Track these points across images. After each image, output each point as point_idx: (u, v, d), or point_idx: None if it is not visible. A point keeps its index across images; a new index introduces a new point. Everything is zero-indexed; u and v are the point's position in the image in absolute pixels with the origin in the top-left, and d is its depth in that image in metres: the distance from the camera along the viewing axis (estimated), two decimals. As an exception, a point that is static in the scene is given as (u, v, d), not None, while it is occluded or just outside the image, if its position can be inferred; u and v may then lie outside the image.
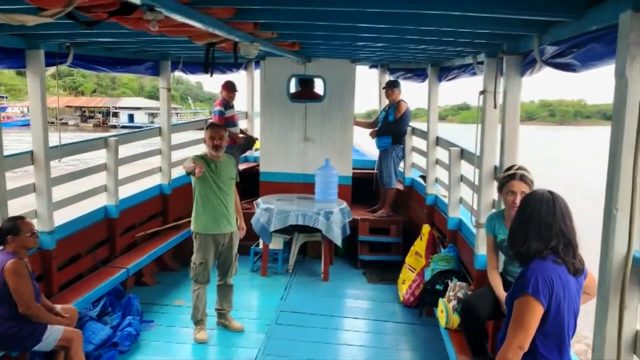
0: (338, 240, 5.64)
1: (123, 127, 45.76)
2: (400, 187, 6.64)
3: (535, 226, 2.05)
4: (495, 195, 3.61)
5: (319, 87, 6.85)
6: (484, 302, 2.95)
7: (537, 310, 2.00)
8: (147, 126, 39.41)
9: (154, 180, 5.88)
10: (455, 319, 3.66)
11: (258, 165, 6.91)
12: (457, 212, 4.66)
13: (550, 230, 2.04)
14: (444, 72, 5.18)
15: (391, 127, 6.32)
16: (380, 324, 4.74)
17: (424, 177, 6.59)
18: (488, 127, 3.50)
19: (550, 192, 2.11)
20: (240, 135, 6.80)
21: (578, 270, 2.07)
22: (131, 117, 54.45)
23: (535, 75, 2.81)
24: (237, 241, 4.45)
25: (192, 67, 6.14)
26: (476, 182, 3.88)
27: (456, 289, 3.77)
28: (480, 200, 3.65)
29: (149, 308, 4.81)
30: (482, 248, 3.64)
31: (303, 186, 6.58)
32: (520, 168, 2.93)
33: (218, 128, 4.28)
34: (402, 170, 6.66)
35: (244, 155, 7.50)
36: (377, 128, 6.48)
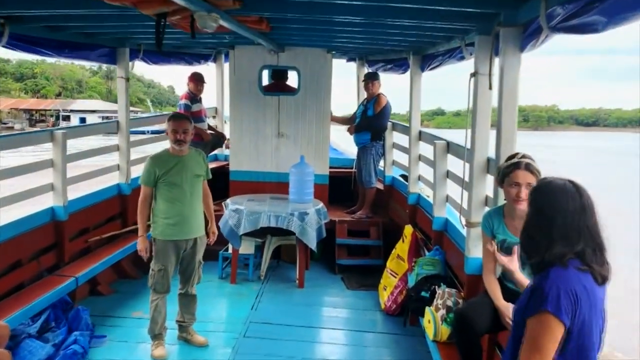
0: (313, 243, 5.20)
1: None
2: (380, 186, 6.24)
3: (561, 227, 1.65)
4: (488, 191, 3.23)
5: (292, 80, 6.43)
6: (480, 313, 2.54)
7: (558, 331, 1.60)
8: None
9: (112, 180, 5.36)
10: (445, 331, 3.26)
11: (228, 164, 6.42)
12: (442, 212, 4.27)
13: (577, 230, 1.64)
14: (427, 60, 4.80)
15: (371, 122, 5.92)
16: (360, 335, 4.31)
17: (405, 177, 6.23)
18: (480, 114, 3.12)
19: (572, 182, 1.71)
20: (209, 132, 6.32)
21: (605, 279, 1.68)
22: (83, 121, 47.87)
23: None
24: (203, 247, 3.98)
25: (155, 56, 5.64)
26: (466, 178, 3.50)
27: (445, 296, 3.37)
28: (472, 198, 3.26)
29: (102, 321, 4.29)
30: (473, 250, 3.26)
31: (276, 185, 6.13)
32: (524, 156, 2.55)
33: (181, 119, 3.80)
34: (382, 168, 6.27)
35: (213, 153, 7.01)
36: (355, 123, 6.08)
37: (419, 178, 5.20)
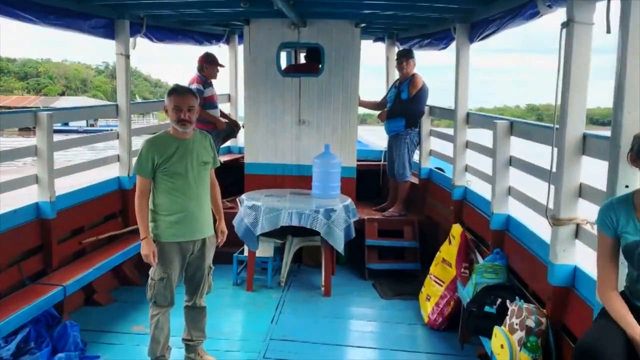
0: (340, 245, 4.48)
1: (54, 131, 37.43)
2: (414, 180, 5.50)
3: None
4: (583, 177, 2.48)
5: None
6: (611, 346, 1.79)
7: None
8: (83, 130, 32.41)
9: (111, 172, 4.69)
10: (525, 359, 2.52)
11: (243, 157, 5.73)
12: (503, 207, 3.52)
13: None
14: (479, 27, 4.05)
15: (405, 106, 5.18)
16: (400, 356, 3.58)
17: (439, 169, 5.48)
18: (576, 76, 2.38)
19: None
20: (223, 120, 5.64)
21: None
22: (65, 123, 46.82)
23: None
24: (213, 249, 3.29)
25: (159, 31, 4.97)
26: (538, 164, 2.76)
27: (523, 314, 2.63)
28: (561, 187, 2.51)
29: (96, 337, 3.62)
30: (562, 255, 2.52)
31: (297, 179, 5.42)
32: None
33: (185, 94, 3.08)
34: (416, 160, 5.53)
35: (225, 145, 6.33)
36: (387, 108, 5.35)
37: (466, 169, 4.44)
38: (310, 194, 4.94)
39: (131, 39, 4.60)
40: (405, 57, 5.21)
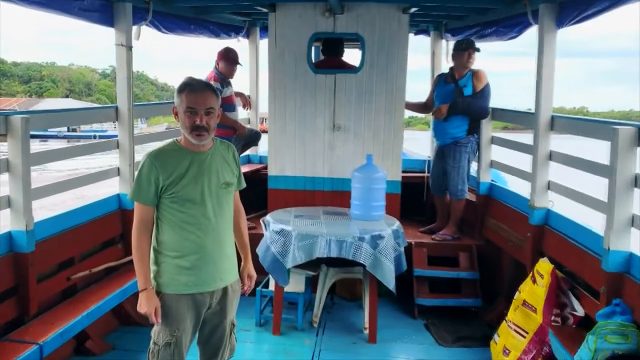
0: (390, 281, 3.61)
1: (32, 136, 29.74)
2: (470, 196, 4.63)
3: None
4: None
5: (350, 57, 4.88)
6: None
7: None
8: (63, 136, 30.18)
9: (110, 189, 3.87)
10: None
11: (266, 168, 4.89)
12: (625, 243, 2.63)
13: None
14: (571, 9, 3.16)
15: (472, 103, 4.30)
16: None
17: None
18: None
19: None
20: (245, 126, 4.80)
21: None
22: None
23: None
24: (237, 300, 2.46)
25: (169, 19, 4.16)
26: None
27: None
28: None
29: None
30: None
31: (330, 195, 4.57)
32: None
33: (203, 90, 2.25)
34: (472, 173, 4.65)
35: (245, 153, 5.50)
36: (450, 103, 4.39)
37: (549, 186, 3.55)
38: (347, 213, 4.09)
39: (134, 28, 3.79)
40: (472, 48, 4.32)
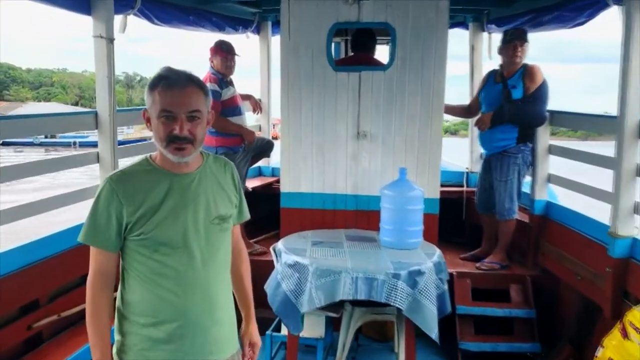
0: (432, 327, 2.86)
1: (6, 143, 28.46)
2: (522, 217, 3.87)
3: None
4: None
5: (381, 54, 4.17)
6: None
7: None
8: (40, 143, 27.58)
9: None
10: None
11: (279, 182, 4.19)
12: None
13: None
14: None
15: (521, 108, 3.57)
16: None
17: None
18: None
19: None
20: (256, 133, 4.12)
21: None
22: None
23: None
24: None
25: (162, 9, 3.50)
26: None
27: None
28: None
29: None
30: None
31: (354, 216, 3.85)
32: None
33: (184, 85, 1.58)
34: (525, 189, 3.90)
35: (256, 165, 4.82)
36: (494, 110, 3.71)
37: (636, 209, 2.78)
38: (376, 239, 3.37)
39: (119, 18, 3.15)
40: (520, 39, 3.59)
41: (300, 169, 3.87)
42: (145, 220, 1.55)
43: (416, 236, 3.25)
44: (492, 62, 4.46)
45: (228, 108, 3.89)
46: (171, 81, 1.56)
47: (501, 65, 3.73)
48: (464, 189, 4.57)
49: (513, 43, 3.59)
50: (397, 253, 3.10)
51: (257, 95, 5.06)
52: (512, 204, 3.70)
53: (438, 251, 3.18)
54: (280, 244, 3.25)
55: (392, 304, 2.79)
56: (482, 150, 4.06)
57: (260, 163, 4.88)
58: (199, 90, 1.60)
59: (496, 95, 3.70)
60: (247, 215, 1.84)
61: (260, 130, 5.04)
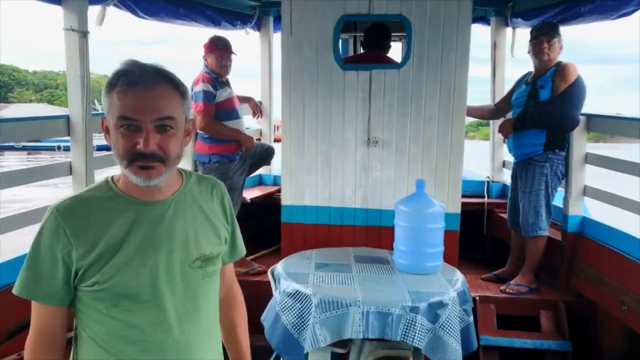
0: (457, 367, 2.45)
1: None
2: (553, 233, 3.44)
3: None
4: None
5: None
6: None
7: None
8: (22, 147, 24.85)
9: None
10: None
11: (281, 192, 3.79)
12: None
13: None
14: None
15: (548, 111, 3.15)
16: None
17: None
18: None
19: None
20: (255, 138, 3.72)
21: None
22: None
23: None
24: None
25: (148, 0, 3.10)
26: None
27: None
28: None
29: None
30: None
31: (364, 232, 3.45)
32: None
33: (153, 83, 1.16)
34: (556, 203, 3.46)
35: (257, 173, 4.42)
36: (515, 115, 3.31)
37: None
38: (389, 260, 2.96)
39: (95, 9, 2.76)
40: (546, 34, 3.17)
41: (303, 180, 3.46)
42: (102, 265, 1.16)
43: (435, 259, 2.83)
44: (515, 61, 4.05)
45: (223, 111, 3.50)
46: (134, 78, 1.15)
47: (535, 67, 3.31)
48: (485, 200, 4.14)
49: (539, 39, 3.17)
50: (414, 279, 2.68)
51: (257, 98, 4.66)
52: (538, 218, 3.26)
53: (461, 277, 2.76)
54: (279, 267, 2.84)
55: (410, 342, 2.37)
56: (510, 158, 3.64)
57: (261, 170, 4.47)
58: (173, 90, 1.19)
59: (524, 97, 3.28)
60: (242, 251, 1.44)
61: (261, 135, 4.63)
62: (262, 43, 4.55)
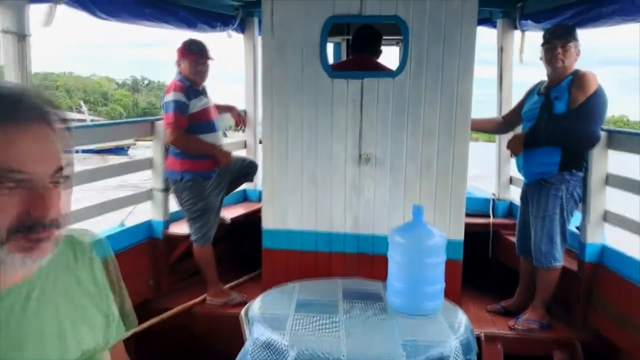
0: None
1: None
2: (568, 263, 3.05)
3: None
4: None
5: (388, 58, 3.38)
6: None
7: None
8: None
9: None
10: None
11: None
12: None
13: None
14: None
15: (564, 126, 2.77)
16: None
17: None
18: None
19: None
20: (231, 152, 3.34)
21: None
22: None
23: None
24: None
25: (107, -2, 2.72)
26: None
27: None
28: None
29: None
30: None
31: (355, 261, 3.06)
32: None
33: (30, 119, 0.76)
34: (574, 228, 3.07)
35: (241, 188, 4.04)
36: (526, 131, 2.93)
37: None
38: (381, 295, 2.58)
39: (42, 7, 2.38)
40: (560, 38, 2.79)
41: (287, 201, 3.07)
42: None
43: (435, 298, 2.44)
44: (523, 67, 3.67)
45: (198, 123, 3.12)
46: (10, 112, 0.77)
47: (548, 75, 2.93)
48: (490, 220, 3.75)
49: (552, 44, 2.78)
50: (410, 324, 2.30)
51: (239, 104, 4.28)
52: (552, 247, 2.88)
53: (464, 319, 2.37)
54: (255, 307, 2.45)
55: (404, 407, 1.98)
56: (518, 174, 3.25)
57: (246, 185, 4.09)
58: (44, 124, 0.80)
59: (536, 109, 2.89)
60: (132, 323, 1.05)
61: (245, 147, 4.25)
62: (246, 46, 4.17)
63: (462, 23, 2.78)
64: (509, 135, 3.22)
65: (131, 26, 3.32)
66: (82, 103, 51.66)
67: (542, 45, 2.87)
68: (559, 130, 2.78)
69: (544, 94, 2.90)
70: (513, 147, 2.92)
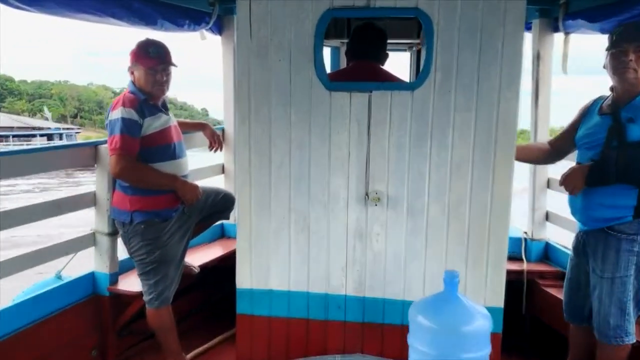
0: None
1: None
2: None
3: None
4: None
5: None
6: None
7: None
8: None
9: None
10: None
11: None
12: None
13: None
14: None
15: (638, 160, 2.06)
16: None
17: None
18: None
19: None
20: (197, 186, 2.59)
21: None
22: None
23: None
24: None
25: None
26: None
27: None
28: None
29: None
30: None
31: (358, 332, 2.33)
32: None
33: None
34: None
35: (218, 223, 3.28)
36: (592, 162, 2.19)
37: None
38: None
39: None
40: (629, 40, 2.08)
41: (269, 253, 2.33)
42: None
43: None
44: (568, 78, 2.96)
45: (154, 148, 2.38)
46: None
47: (612, 88, 2.22)
48: (524, 266, 3.02)
49: (621, 48, 2.08)
50: None
51: (217, 116, 3.55)
52: (624, 319, 2.15)
53: None
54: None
55: None
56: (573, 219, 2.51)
57: (231, 220, 3.32)
58: None
59: (600, 134, 2.17)
60: None
61: (223, 172, 3.50)
62: (224, 49, 3.42)
63: (505, 22, 2.07)
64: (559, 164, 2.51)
65: (130, 28, 2.63)
66: (45, 108, 50.17)
67: (608, 49, 2.16)
68: (636, 164, 2.06)
69: (609, 114, 2.18)
70: (571, 183, 2.18)
